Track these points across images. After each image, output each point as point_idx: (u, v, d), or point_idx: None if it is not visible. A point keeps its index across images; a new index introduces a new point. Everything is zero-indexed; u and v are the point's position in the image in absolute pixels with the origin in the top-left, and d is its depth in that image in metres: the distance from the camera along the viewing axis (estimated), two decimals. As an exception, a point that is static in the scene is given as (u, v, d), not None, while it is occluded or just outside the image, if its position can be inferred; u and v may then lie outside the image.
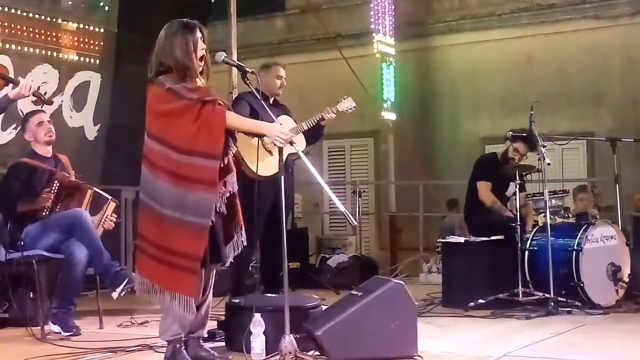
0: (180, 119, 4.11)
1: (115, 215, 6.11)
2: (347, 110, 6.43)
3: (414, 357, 4.47)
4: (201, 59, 4.25)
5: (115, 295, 5.61)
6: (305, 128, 6.25)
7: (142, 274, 4.19)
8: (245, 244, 4.40)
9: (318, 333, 4.34)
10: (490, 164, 7.22)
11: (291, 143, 4.30)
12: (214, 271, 4.43)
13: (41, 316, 5.64)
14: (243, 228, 4.38)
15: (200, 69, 4.26)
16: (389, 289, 4.57)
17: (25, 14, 7.68)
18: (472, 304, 6.41)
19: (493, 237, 6.87)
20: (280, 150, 4.32)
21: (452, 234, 8.12)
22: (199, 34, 4.25)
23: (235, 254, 4.38)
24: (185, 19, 4.31)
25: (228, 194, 4.27)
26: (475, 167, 7.50)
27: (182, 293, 4.09)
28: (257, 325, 4.40)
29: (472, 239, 7.07)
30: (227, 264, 4.55)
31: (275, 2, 14.70)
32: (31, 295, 6.04)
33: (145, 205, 4.18)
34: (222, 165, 4.17)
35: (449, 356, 4.73)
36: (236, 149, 4.28)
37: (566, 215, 7.08)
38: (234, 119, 4.22)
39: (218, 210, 4.22)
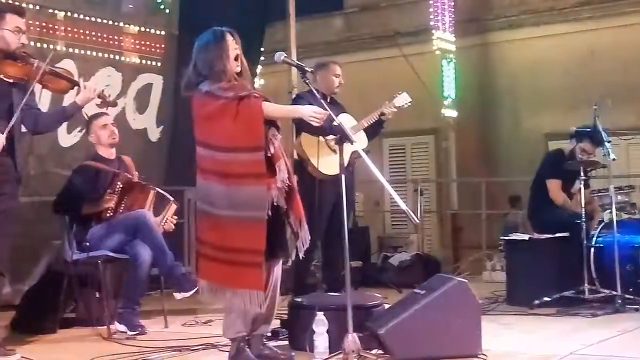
0: (220, 119, 4.19)
1: (176, 217, 6.17)
2: (403, 105, 6.40)
3: (478, 356, 4.44)
4: (236, 58, 4.33)
5: (179, 296, 5.66)
6: (366, 125, 6.25)
7: (204, 277, 4.23)
8: (309, 240, 4.41)
9: (381, 332, 4.33)
10: (558, 161, 7.09)
11: (351, 142, 4.29)
12: (279, 267, 4.44)
13: (107, 316, 5.72)
14: (305, 224, 4.38)
15: (238, 69, 4.33)
16: (452, 287, 4.54)
17: (88, 18, 7.80)
18: (537, 301, 6.34)
19: (558, 235, 6.78)
20: (341, 149, 4.33)
21: (515, 231, 8.03)
22: (229, 38, 4.35)
23: (301, 250, 4.38)
24: (213, 28, 4.42)
25: (282, 184, 4.26)
26: (543, 164, 7.38)
27: (247, 289, 4.12)
28: (320, 324, 4.40)
29: (536, 236, 6.98)
30: (290, 261, 4.55)
31: (334, 1, 14.67)
32: (97, 295, 6.14)
33: (201, 211, 4.26)
34: (268, 155, 4.19)
35: (514, 355, 4.68)
36: (280, 136, 4.30)
37: (632, 211, 6.95)
38: (270, 108, 4.27)
39: (276, 204, 4.24)
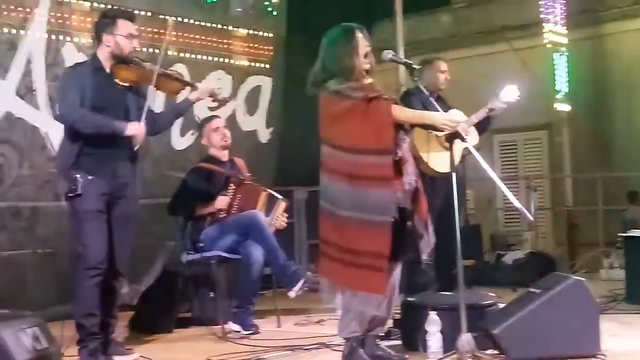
0: (348, 120, 4.13)
1: (287, 215, 6.21)
2: (512, 99, 6.28)
3: (597, 356, 4.31)
4: (365, 55, 4.26)
5: (292, 294, 5.70)
6: (476, 121, 6.16)
7: (326, 277, 4.23)
8: (435, 241, 4.35)
9: (496, 331, 4.26)
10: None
11: (462, 139, 4.23)
12: (399, 269, 4.40)
13: (221, 315, 5.80)
14: (430, 226, 4.33)
15: (367, 66, 4.27)
16: (568, 285, 4.43)
17: (198, 22, 7.95)
18: (658, 300, 6.13)
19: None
20: (452, 146, 4.26)
21: (633, 228, 7.78)
22: (359, 34, 4.28)
23: (425, 253, 4.34)
24: (342, 24, 4.34)
25: (409, 186, 4.22)
26: None
27: (369, 292, 4.10)
28: (433, 324, 4.36)
29: (658, 231, 6.76)
30: (420, 261, 4.51)
31: (441, -3, 14.54)
32: (211, 295, 6.24)
33: (324, 211, 4.22)
34: (396, 159, 4.14)
35: (634, 355, 4.54)
36: (408, 139, 4.24)
37: None
38: (400, 112, 4.20)
39: (402, 206, 4.19)
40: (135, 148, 4.72)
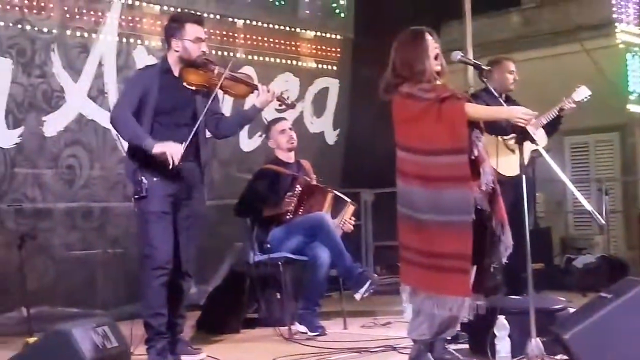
0: (421, 122, 4.10)
1: (354, 218, 6.20)
2: (583, 99, 6.18)
3: (674, 364, 4.20)
4: (436, 57, 4.23)
5: (358, 296, 5.69)
6: (545, 122, 6.07)
7: (407, 282, 4.20)
8: (512, 243, 4.29)
9: (567, 336, 4.17)
10: None
11: (532, 140, 4.17)
12: (473, 272, 4.34)
13: (288, 316, 5.81)
14: (508, 228, 4.27)
15: (438, 67, 4.23)
16: (642, 291, 4.32)
17: (266, 25, 7.99)
18: None
19: None
20: (521, 148, 4.20)
21: None
22: (428, 37, 4.25)
23: (504, 255, 4.28)
24: (412, 27, 4.32)
25: (485, 187, 4.16)
26: None
27: (453, 295, 4.05)
28: (502, 328, 4.29)
29: None
30: (496, 265, 4.44)
31: (510, -2, 14.39)
32: (278, 296, 6.26)
33: (403, 215, 4.18)
34: (472, 158, 4.10)
35: None
36: (483, 137, 4.18)
37: None
38: (473, 109, 4.14)
39: (479, 208, 4.14)
40: (170, 167, 4.59)
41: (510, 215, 5.85)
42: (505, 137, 5.78)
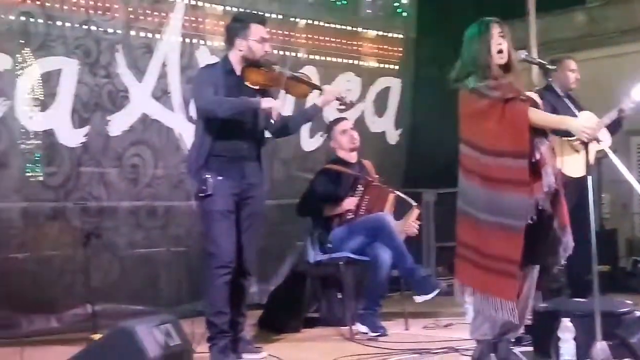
0: (484, 119, 4.06)
1: (418, 222, 6.16)
2: None
3: None
4: (500, 51, 4.17)
5: (419, 299, 5.66)
6: (608, 122, 5.96)
7: (459, 279, 4.18)
8: (572, 245, 4.23)
9: (633, 340, 4.11)
10: None
11: (597, 140, 4.10)
12: (536, 273, 4.29)
13: (349, 316, 5.81)
14: (569, 230, 4.21)
15: (502, 61, 4.17)
16: None
17: (328, 25, 7.99)
18: None
19: None
20: (587, 148, 4.13)
21: None
22: (494, 30, 4.20)
23: (564, 257, 4.22)
24: (481, 19, 4.27)
25: (548, 188, 4.10)
26: None
27: (498, 297, 4.02)
28: (566, 331, 4.23)
29: None
30: (557, 266, 4.39)
31: (575, -4, 14.18)
32: (338, 296, 6.25)
33: (462, 212, 4.16)
34: (533, 161, 4.04)
35: None
36: (548, 142, 4.12)
37: None
38: (536, 115, 4.08)
39: (541, 208, 4.08)
40: (273, 121, 4.80)
41: (574, 217, 5.79)
42: (570, 138, 5.69)
